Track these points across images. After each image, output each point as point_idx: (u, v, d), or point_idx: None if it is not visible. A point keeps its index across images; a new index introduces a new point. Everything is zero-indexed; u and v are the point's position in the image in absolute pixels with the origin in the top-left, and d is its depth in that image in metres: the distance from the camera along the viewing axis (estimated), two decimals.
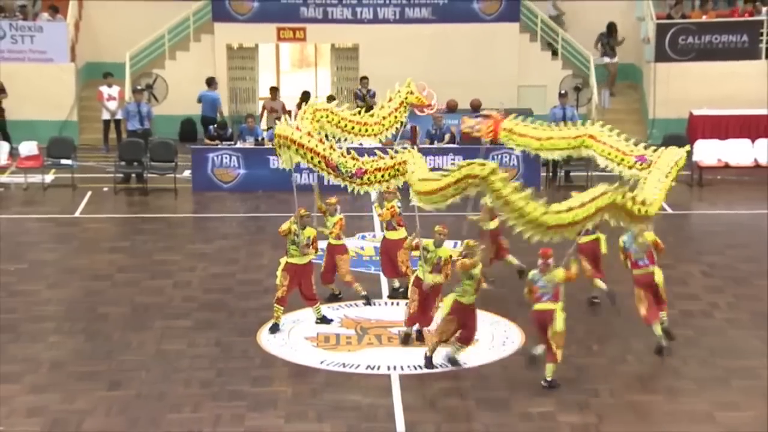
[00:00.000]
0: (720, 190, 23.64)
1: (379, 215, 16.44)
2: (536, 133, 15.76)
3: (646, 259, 14.47)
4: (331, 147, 14.01)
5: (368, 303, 16.13)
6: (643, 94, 28.35)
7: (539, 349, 13.48)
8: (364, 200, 19.79)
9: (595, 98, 27.04)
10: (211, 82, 26.13)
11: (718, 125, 25.70)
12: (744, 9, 28.12)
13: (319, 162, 13.99)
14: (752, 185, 23.77)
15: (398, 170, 13.93)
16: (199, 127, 26.22)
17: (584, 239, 15.19)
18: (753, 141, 24.62)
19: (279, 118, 15.60)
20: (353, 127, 15.25)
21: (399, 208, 16.17)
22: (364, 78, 26.64)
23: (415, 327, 14.69)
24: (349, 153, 14.02)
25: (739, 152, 24.32)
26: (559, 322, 13.17)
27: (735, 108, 25.96)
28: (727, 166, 24.12)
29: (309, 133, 14.09)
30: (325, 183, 16.60)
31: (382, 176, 13.96)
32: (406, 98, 15.64)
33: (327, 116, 15.08)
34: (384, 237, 16.46)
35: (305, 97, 25.12)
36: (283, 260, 15.09)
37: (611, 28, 28.12)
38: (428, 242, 14.30)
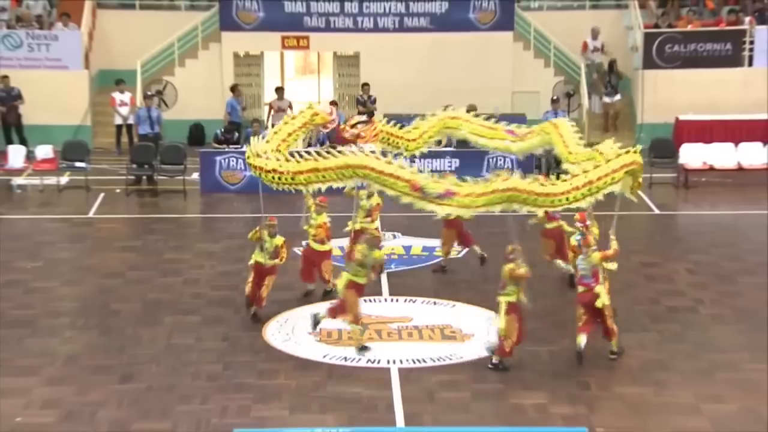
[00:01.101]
0: (705, 191, 23.63)
1: (314, 235, 16.02)
2: (404, 134, 16.42)
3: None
4: (413, 171, 13.86)
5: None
6: (631, 99, 28.35)
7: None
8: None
9: (585, 103, 27.06)
10: (234, 89, 26.16)
11: (703, 130, 25.70)
12: (728, 19, 28.14)
13: (404, 186, 13.74)
14: (735, 187, 23.77)
15: (502, 197, 13.49)
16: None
17: None
18: (736, 145, 24.59)
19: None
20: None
21: (329, 222, 16.10)
22: (365, 84, 26.65)
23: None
24: (431, 176, 13.89)
25: (723, 155, 24.28)
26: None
27: (719, 113, 25.98)
28: (711, 169, 24.09)
29: (389, 161, 13.99)
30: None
31: (472, 202, 13.58)
32: (311, 119, 15.67)
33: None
34: (309, 246, 16.16)
35: None
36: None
37: (612, 66, 27.42)
38: (511, 266, 13.51)
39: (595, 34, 28.04)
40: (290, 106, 25.81)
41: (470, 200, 13.57)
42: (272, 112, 26.24)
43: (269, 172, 14.29)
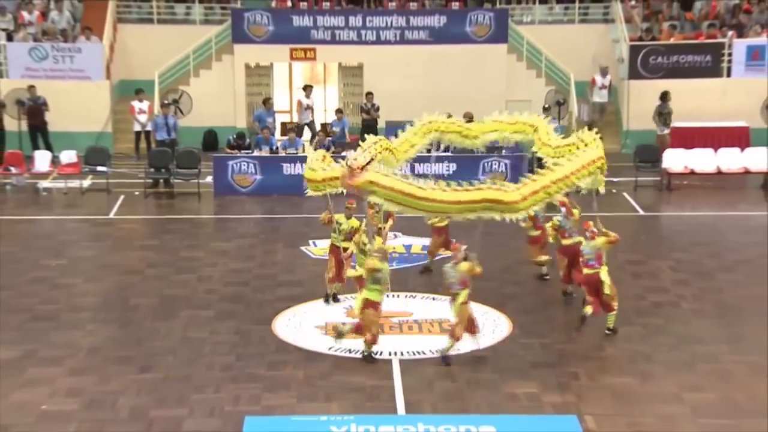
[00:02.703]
0: (686, 194, 23.61)
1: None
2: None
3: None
4: None
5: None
6: (617, 108, 28.36)
7: (589, 310, 14.32)
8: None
9: (574, 111, 27.06)
10: (266, 102, 26.17)
11: (684, 136, 25.73)
12: (707, 33, 28.14)
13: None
14: (715, 190, 23.79)
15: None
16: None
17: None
18: (715, 150, 24.60)
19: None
20: None
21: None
22: (369, 93, 26.65)
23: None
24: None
25: (703, 160, 24.25)
26: (607, 280, 14.22)
27: (700, 121, 25.99)
28: (692, 173, 24.08)
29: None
30: None
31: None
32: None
33: None
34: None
35: (324, 128, 25.18)
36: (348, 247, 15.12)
37: (665, 96, 25.64)
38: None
39: (604, 72, 27.53)
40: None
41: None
42: (299, 109, 26.40)
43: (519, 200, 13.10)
